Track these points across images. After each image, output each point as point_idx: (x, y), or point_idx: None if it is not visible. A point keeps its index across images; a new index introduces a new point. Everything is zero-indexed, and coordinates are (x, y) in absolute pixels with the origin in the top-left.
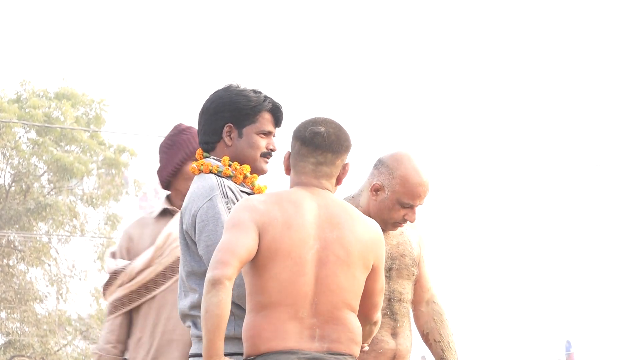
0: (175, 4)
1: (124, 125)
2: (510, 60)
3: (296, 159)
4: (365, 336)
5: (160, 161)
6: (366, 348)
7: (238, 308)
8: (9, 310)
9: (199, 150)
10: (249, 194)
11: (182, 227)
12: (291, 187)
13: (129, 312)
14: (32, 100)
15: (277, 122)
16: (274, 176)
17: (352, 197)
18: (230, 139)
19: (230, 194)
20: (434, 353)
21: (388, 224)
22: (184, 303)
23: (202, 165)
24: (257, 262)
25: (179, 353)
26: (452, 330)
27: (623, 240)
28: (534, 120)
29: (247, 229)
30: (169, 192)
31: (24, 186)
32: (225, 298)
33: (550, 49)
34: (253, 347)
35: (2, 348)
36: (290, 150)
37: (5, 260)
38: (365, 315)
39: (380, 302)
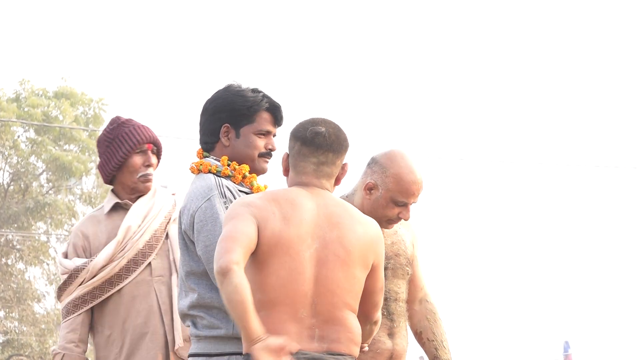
0: (175, 3)
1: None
2: (509, 60)
3: (296, 159)
4: (366, 336)
5: (102, 156)
6: (366, 348)
7: None
8: (7, 310)
9: (199, 150)
10: (247, 193)
11: (180, 227)
12: (290, 187)
13: (89, 310)
14: (31, 99)
15: (277, 121)
16: (274, 176)
17: (347, 196)
18: (228, 139)
19: (228, 193)
20: (427, 352)
21: (382, 222)
22: (184, 303)
23: (201, 164)
24: (257, 258)
25: (153, 344)
26: (445, 329)
27: (621, 241)
28: (530, 118)
29: (246, 220)
30: (112, 187)
31: (22, 185)
32: (240, 281)
33: (550, 50)
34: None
35: (1, 347)
36: (288, 151)
37: (3, 260)
38: (365, 315)
39: (381, 301)
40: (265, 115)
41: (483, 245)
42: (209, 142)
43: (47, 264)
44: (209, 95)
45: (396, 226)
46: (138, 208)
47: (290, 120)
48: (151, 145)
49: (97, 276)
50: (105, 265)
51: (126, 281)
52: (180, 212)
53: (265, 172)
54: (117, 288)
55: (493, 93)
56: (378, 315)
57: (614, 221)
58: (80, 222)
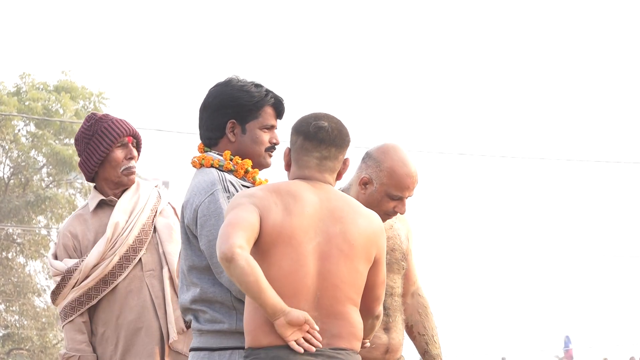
0: None
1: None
2: (511, 56)
3: (299, 153)
4: (368, 330)
5: (82, 153)
6: (368, 344)
7: (240, 302)
8: (7, 303)
9: (200, 145)
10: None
11: (183, 222)
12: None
13: (87, 309)
14: (31, 93)
15: (279, 115)
16: (275, 170)
17: (342, 190)
18: (234, 135)
19: (231, 188)
20: (417, 346)
21: (377, 212)
22: (185, 297)
23: (203, 159)
24: (259, 249)
25: (149, 339)
26: (436, 324)
27: (623, 236)
28: (531, 114)
29: (248, 209)
30: (94, 184)
31: (23, 179)
32: (246, 262)
33: (552, 46)
34: (255, 340)
35: (1, 341)
36: (290, 146)
37: (4, 253)
38: (367, 309)
39: (382, 294)
40: (270, 110)
41: (484, 241)
42: (212, 138)
43: (48, 258)
44: (209, 89)
45: (391, 220)
46: (124, 203)
47: (288, 114)
48: (131, 138)
49: (91, 276)
50: (98, 264)
51: (120, 278)
52: (182, 206)
53: (270, 167)
54: (112, 286)
55: (494, 89)
56: (380, 309)
57: (615, 216)
58: (67, 222)
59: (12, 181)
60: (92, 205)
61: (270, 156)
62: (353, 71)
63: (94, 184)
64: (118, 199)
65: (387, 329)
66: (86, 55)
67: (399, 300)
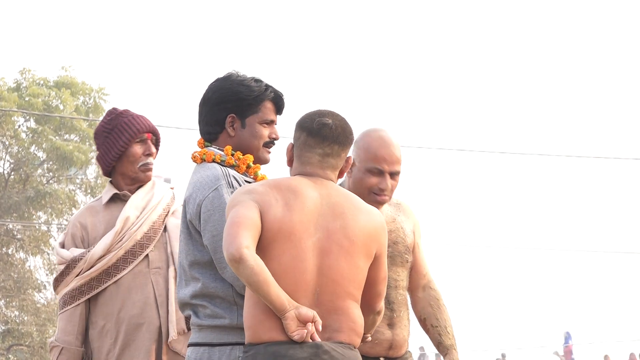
0: None
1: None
2: (510, 53)
3: (302, 149)
4: (369, 326)
5: (100, 147)
6: (369, 339)
7: (241, 298)
8: (7, 299)
9: (200, 140)
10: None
11: (185, 217)
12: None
13: (86, 301)
14: (31, 89)
15: (279, 110)
16: (276, 165)
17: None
18: (234, 129)
19: (235, 183)
20: (431, 338)
21: (366, 197)
22: (185, 292)
23: (204, 154)
24: (260, 244)
25: (149, 335)
26: (449, 315)
27: (623, 233)
28: (531, 110)
29: (249, 206)
30: (110, 179)
31: (23, 175)
32: (254, 262)
33: (551, 43)
34: (255, 336)
35: (1, 337)
36: (292, 142)
37: (4, 249)
38: (368, 305)
39: (384, 291)
40: (269, 105)
41: (484, 237)
42: (212, 132)
43: (48, 254)
44: (208, 84)
45: (395, 213)
46: (137, 199)
47: (288, 111)
48: (150, 134)
49: (95, 267)
50: (103, 256)
51: (123, 272)
52: (184, 201)
53: (268, 162)
54: (115, 279)
55: (493, 85)
56: (381, 305)
57: (615, 213)
58: (78, 213)
59: (12, 177)
60: (106, 198)
61: (269, 151)
62: (354, 67)
63: (110, 179)
64: (132, 194)
65: (391, 324)
66: (86, 51)
67: (404, 294)
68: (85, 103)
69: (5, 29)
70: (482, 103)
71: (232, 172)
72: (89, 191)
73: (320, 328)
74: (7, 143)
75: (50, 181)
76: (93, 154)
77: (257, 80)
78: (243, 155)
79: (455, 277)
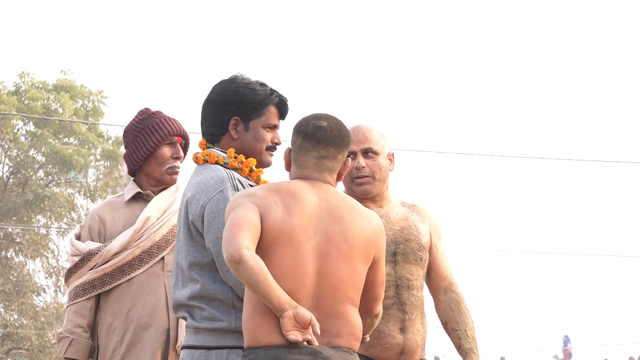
0: None
1: (122, 117)
2: (511, 55)
3: (298, 153)
4: (366, 328)
5: (129, 145)
6: (367, 339)
7: (240, 301)
8: (7, 303)
9: (202, 141)
10: None
11: (187, 218)
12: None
13: (96, 297)
14: (31, 92)
15: (282, 115)
16: (277, 170)
17: None
18: (237, 132)
19: (240, 187)
20: (453, 341)
21: (349, 185)
22: (182, 293)
23: (207, 155)
24: (260, 248)
25: (157, 337)
26: (471, 318)
27: (622, 236)
28: (531, 113)
29: (249, 208)
30: (134, 178)
31: (22, 178)
32: (254, 263)
33: (552, 46)
34: (254, 339)
35: (0, 340)
36: (290, 146)
37: (3, 253)
38: (366, 308)
39: (381, 294)
40: (273, 110)
41: (484, 240)
42: (215, 134)
43: (47, 257)
44: (209, 88)
45: (408, 213)
46: (160, 201)
47: (294, 115)
48: (180, 138)
49: (109, 262)
50: (119, 253)
51: (137, 272)
52: (187, 202)
53: (270, 165)
54: (128, 277)
55: (493, 88)
56: (379, 308)
57: (614, 216)
58: (98, 206)
59: (11, 180)
60: (128, 195)
61: (271, 155)
62: (353, 71)
63: (133, 178)
64: (155, 195)
65: (403, 328)
66: (85, 55)
67: (418, 295)
68: (84, 106)
69: (4, 33)
70: (482, 107)
71: (236, 175)
72: (88, 194)
73: (318, 331)
74: (6, 146)
75: (50, 185)
76: (92, 157)
77: (262, 84)
78: (245, 158)
79: (457, 281)
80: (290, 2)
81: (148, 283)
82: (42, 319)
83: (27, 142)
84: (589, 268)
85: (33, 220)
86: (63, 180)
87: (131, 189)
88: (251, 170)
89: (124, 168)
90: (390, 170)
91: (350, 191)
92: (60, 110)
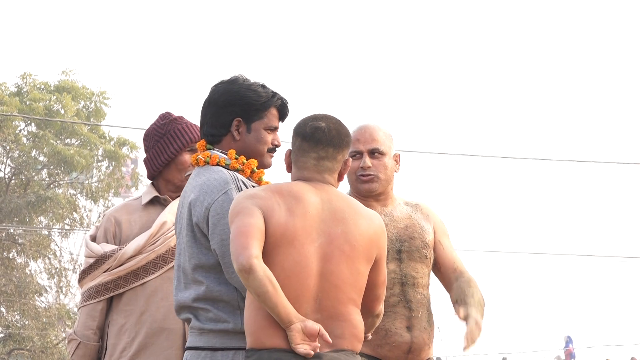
0: None
1: (124, 117)
2: (512, 56)
3: (297, 154)
4: (368, 328)
5: (150, 150)
6: (369, 338)
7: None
8: (9, 303)
9: (202, 142)
10: None
11: (190, 220)
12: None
13: (109, 298)
14: (32, 93)
15: (282, 117)
16: (277, 171)
17: None
18: (239, 133)
19: (244, 188)
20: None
21: (354, 183)
22: (186, 295)
23: (208, 157)
24: (263, 249)
25: (170, 342)
26: (480, 293)
27: (624, 237)
28: (533, 115)
29: (253, 212)
30: (151, 181)
31: (24, 179)
32: (263, 273)
33: (553, 47)
34: (258, 342)
35: (2, 341)
36: (290, 148)
37: (5, 254)
38: (368, 308)
39: (383, 294)
40: (274, 112)
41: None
42: (216, 135)
43: (49, 258)
44: (213, 86)
45: (410, 211)
46: (176, 206)
47: (295, 116)
48: None
49: (124, 266)
50: (134, 256)
51: (151, 276)
52: (190, 203)
53: (270, 167)
54: (141, 282)
55: (495, 89)
56: (380, 308)
57: (616, 217)
58: (114, 209)
59: (13, 181)
60: (146, 199)
61: (272, 157)
62: (357, 73)
63: (152, 181)
64: (173, 200)
65: (409, 326)
66: (87, 55)
67: (424, 293)
68: (86, 107)
69: (6, 34)
70: (484, 108)
71: (239, 176)
72: (90, 196)
73: (329, 340)
74: (8, 147)
75: (51, 186)
76: (94, 159)
77: (264, 86)
78: (246, 159)
79: None
80: (296, 2)
81: (162, 288)
82: (44, 320)
83: (29, 143)
84: (591, 269)
85: (35, 221)
86: (65, 182)
87: (149, 192)
88: (253, 172)
89: (127, 169)
90: (395, 171)
91: (355, 189)
92: (62, 111)
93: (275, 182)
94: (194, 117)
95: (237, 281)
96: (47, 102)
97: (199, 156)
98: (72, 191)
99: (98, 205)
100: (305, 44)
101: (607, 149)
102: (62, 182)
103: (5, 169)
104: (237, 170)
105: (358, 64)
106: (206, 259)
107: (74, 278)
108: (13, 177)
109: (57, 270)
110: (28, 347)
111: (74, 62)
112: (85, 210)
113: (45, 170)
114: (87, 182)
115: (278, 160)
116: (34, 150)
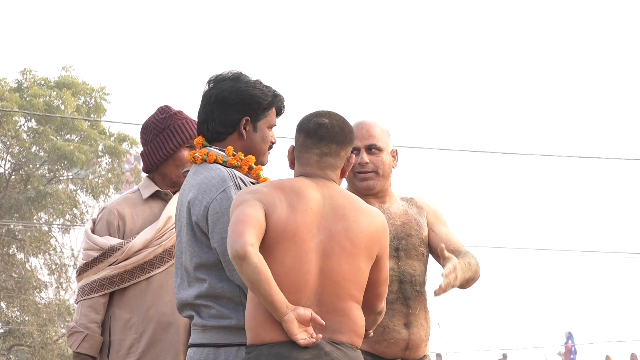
0: None
1: (124, 113)
2: (512, 53)
3: (300, 151)
4: (369, 325)
5: (148, 144)
6: (370, 334)
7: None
8: (9, 299)
9: (200, 138)
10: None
11: (189, 219)
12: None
13: (112, 292)
14: (33, 89)
15: (278, 115)
16: (274, 167)
17: None
18: (246, 132)
19: (242, 185)
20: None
21: (352, 180)
22: (188, 293)
23: (205, 154)
24: (263, 245)
25: (178, 337)
26: (475, 261)
27: (624, 233)
28: (532, 110)
29: (254, 205)
30: (147, 175)
31: (24, 175)
32: (258, 261)
33: (553, 43)
34: (257, 337)
35: (2, 337)
36: (293, 144)
37: (5, 249)
38: (369, 306)
39: (385, 292)
40: (274, 110)
41: (486, 237)
42: (222, 133)
43: (49, 254)
44: (215, 83)
45: (406, 206)
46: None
47: (290, 112)
48: None
49: (130, 259)
50: (141, 250)
51: (157, 270)
52: (189, 202)
53: (266, 164)
54: (147, 276)
55: (495, 85)
56: (382, 305)
57: (617, 213)
58: (116, 201)
59: (13, 177)
60: (146, 193)
61: (269, 153)
62: (356, 69)
63: (147, 174)
64: (173, 195)
65: (407, 323)
66: (87, 51)
67: (421, 290)
68: (87, 103)
69: (6, 30)
70: (484, 104)
71: (238, 173)
72: (90, 191)
73: (322, 322)
74: (8, 143)
75: (51, 181)
76: (94, 155)
77: (265, 85)
78: (245, 156)
79: None
80: (295, 1)
81: (167, 282)
82: (44, 316)
83: (29, 139)
84: (592, 265)
85: (35, 217)
86: (65, 177)
87: (148, 186)
88: (250, 168)
89: (129, 166)
90: (393, 167)
91: (353, 186)
92: (62, 107)
93: (273, 178)
94: (194, 112)
95: (238, 278)
96: (47, 97)
97: (196, 154)
98: (72, 187)
99: (98, 201)
100: (303, 39)
101: (607, 144)
102: (62, 178)
103: (5, 164)
104: (234, 167)
105: (356, 60)
106: (207, 258)
107: (74, 274)
108: (13, 173)
109: (58, 266)
110: (28, 343)
111: (74, 58)
112: (85, 206)
113: (45, 166)
114: (87, 178)
115: (275, 156)
116: (34, 146)
